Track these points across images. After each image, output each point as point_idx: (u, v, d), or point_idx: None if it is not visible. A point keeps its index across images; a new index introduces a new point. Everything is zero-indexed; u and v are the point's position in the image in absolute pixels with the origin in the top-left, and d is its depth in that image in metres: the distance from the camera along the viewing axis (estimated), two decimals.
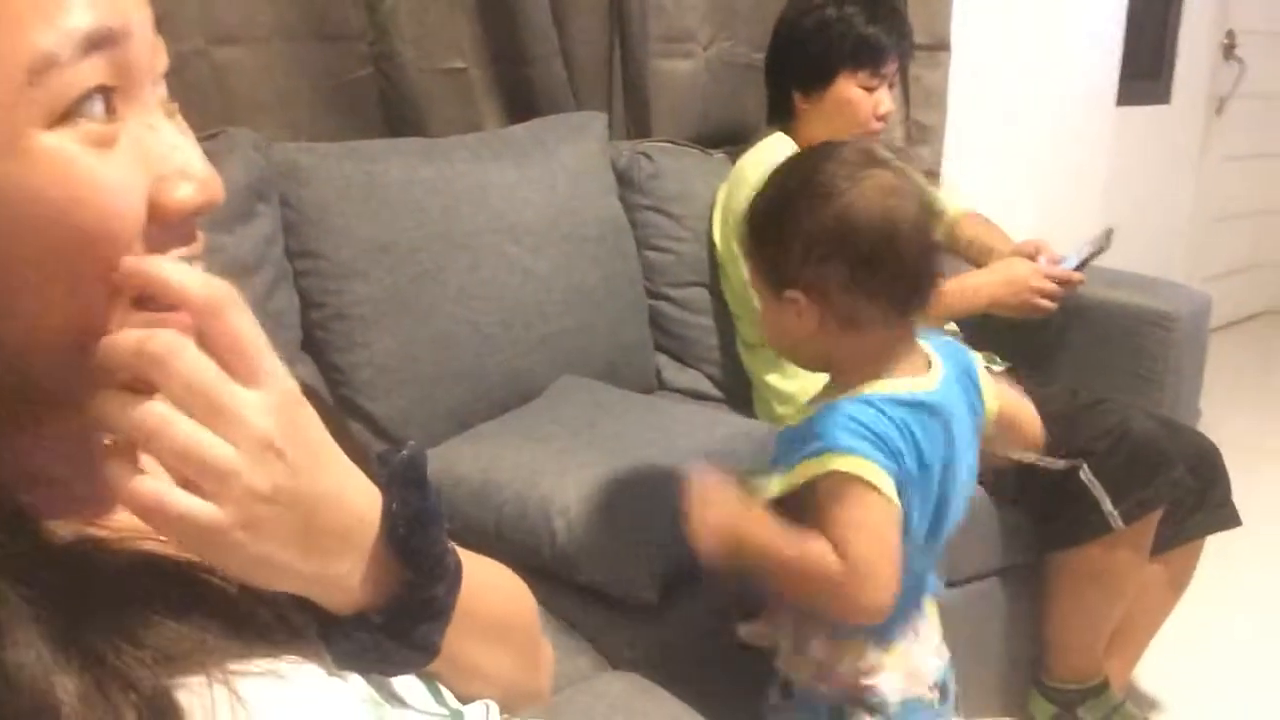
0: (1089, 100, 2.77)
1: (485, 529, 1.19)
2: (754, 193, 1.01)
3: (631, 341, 1.71)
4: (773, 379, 1.66)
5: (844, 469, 0.90)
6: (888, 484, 0.90)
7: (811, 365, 1.04)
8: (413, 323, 1.41)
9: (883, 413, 0.92)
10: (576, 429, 1.33)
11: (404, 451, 0.52)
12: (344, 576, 0.49)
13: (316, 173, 1.41)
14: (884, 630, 0.99)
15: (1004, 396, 1.08)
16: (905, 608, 0.99)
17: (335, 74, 1.60)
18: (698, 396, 1.76)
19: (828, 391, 1.00)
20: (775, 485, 0.95)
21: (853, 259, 0.92)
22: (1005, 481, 1.49)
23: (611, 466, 1.21)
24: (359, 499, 0.49)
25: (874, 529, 0.90)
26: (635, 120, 1.92)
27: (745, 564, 0.93)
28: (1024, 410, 1.12)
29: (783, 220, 0.95)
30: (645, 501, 1.16)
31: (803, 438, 0.93)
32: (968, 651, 1.48)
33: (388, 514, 0.50)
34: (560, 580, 1.14)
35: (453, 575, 0.54)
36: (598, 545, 1.13)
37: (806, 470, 0.92)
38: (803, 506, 0.93)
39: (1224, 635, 1.98)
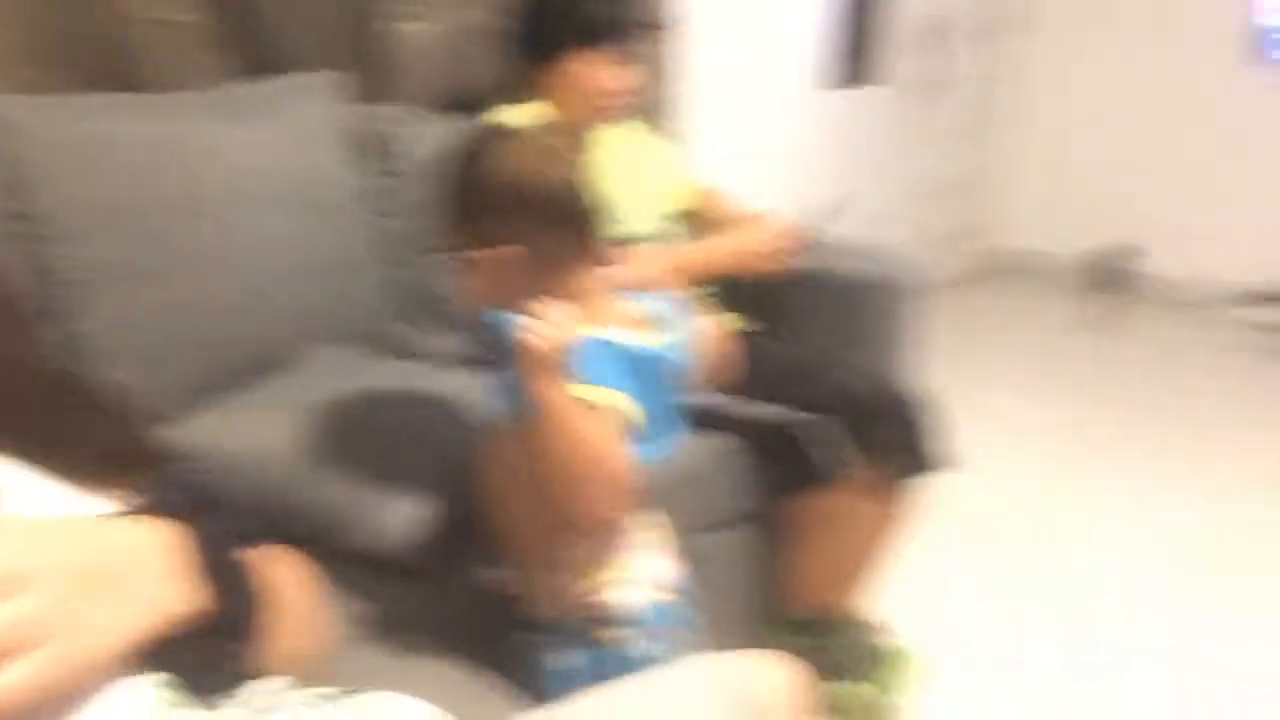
0: (815, 80, 2.97)
1: (245, 501, 1.15)
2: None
3: (377, 310, 1.68)
4: None
5: (588, 398, 0.99)
6: (624, 407, 1.01)
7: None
8: (144, 290, 1.32)
9: (613, 354, 1.03)
10: (333, 396, 1.30)
11: (191, 474, 0.53)
12: (151, 604, 0.50)
13: (34, 129, 1.28)
14: (617, 549, 1.08)
15: (707, 340, 1.25)
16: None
17: (53, 25, 1.46)
18: (446, 361, 1.74)
19: None
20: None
21: (525, 211, 1.05)
22: (748, 435, 1.59)
23: (369, 430, 1.20)
24: (126, 535, 0.50)
25: (625, 454, 1.01)
26: (374, 84, 1.86)
27: (553, 415, 0.99)
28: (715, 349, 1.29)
29: (464, 187, 1.07)
30: (405, 461, 1.15)
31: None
32: (716, 593, 1.58)
33: (188, 538, 0.52)
34: (328, 545, 1.12)
35: (255, 595, 0.56)
36: (360, 508, 1.12)
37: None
38: None
39: (941, 565, 2.21)
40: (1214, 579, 2.33)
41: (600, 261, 1.10)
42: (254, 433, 1.23)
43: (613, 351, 1.03)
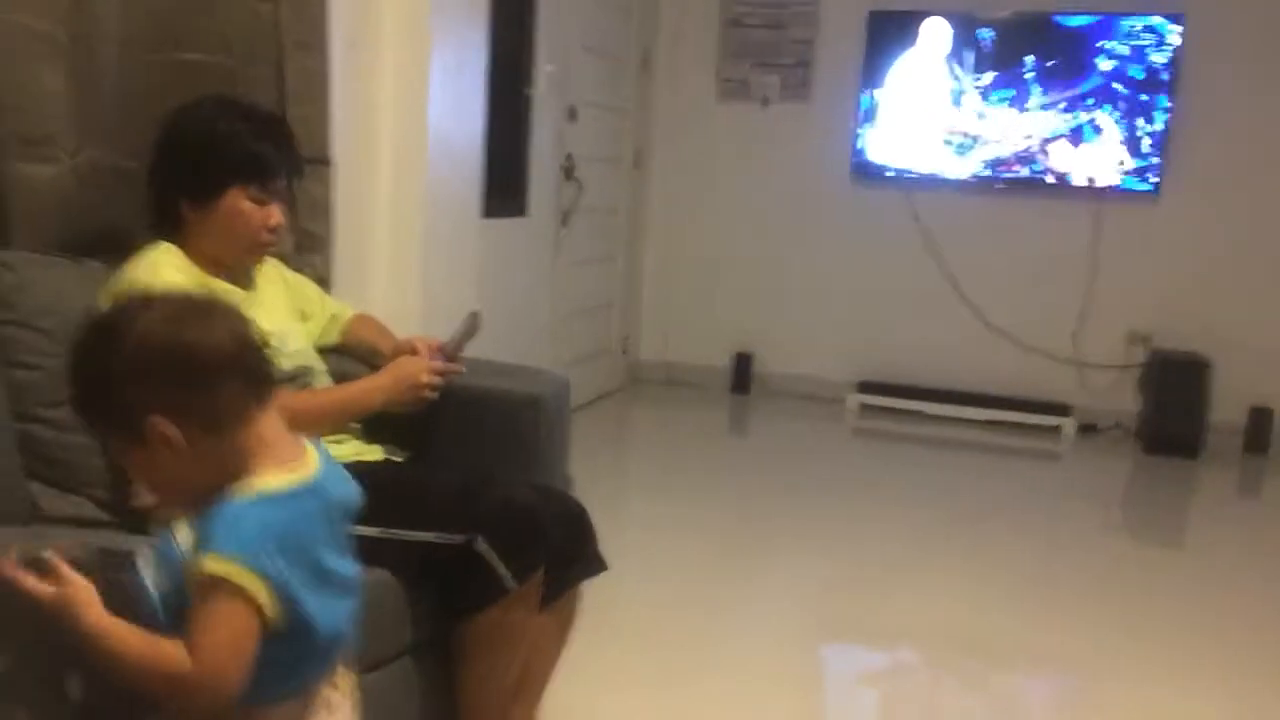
0: (459, 212, 3.10)
1: None
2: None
3: (4, 469, 1.54)
4: None
5: (216, 572, 0.98)
6: (258, 586, 0.98)
7: (207, 494, 1.05)
8: None
9: (271, 511, 1.02)
10: None
11: None
12: None
13: None
14: (298, 712, 1.06)
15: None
16: (316, 683, 1.09)
17: None
18: (84, 524, 1.62)
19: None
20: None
21: (178, 368, 1.01)
22: (410, 562, 1.60)
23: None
24: None
25: (232, 634, 0.99)
26: None
27: (96, 658, 0.99)
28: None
29: (100, 376, 1.02)
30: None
31: (198, 537, 1.01)
32: None
33: None
34: None
35: None
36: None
37: (189, 569, 0.99)
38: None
39: (605, 664, 2.30)
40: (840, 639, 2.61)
41: (268, 405, 1.08)
42: None
43: (269, 508, 1.02)
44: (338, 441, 1.77)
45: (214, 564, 0.98)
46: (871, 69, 4.83)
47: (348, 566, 1.11)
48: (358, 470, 1.67)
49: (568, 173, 4.33)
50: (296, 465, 1.07)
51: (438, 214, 2.91)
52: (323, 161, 2.33)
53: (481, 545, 1.59)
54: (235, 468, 1.04)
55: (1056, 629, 2.72)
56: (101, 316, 1.06)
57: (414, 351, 1.89)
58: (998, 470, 4.36)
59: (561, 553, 1.73)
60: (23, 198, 1.77)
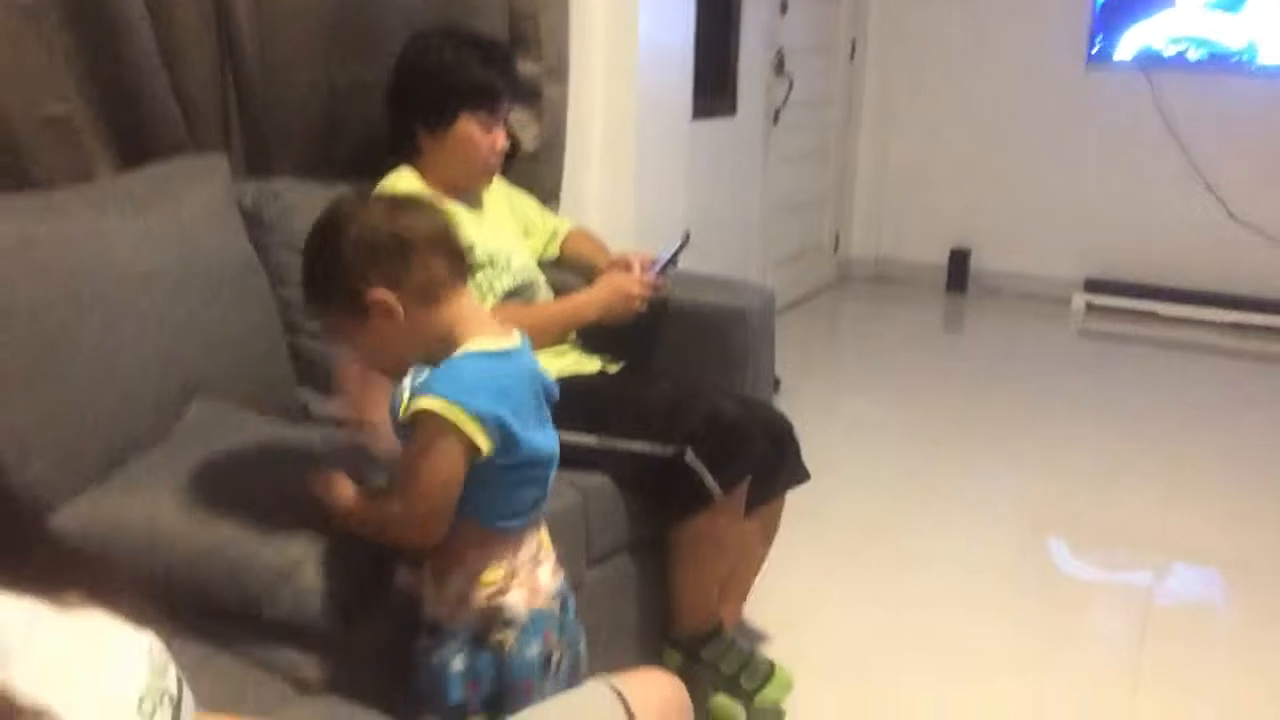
0: (670, 116, 3.13)
1: (155, 578, 1.22)
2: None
3: (273, 379, 1.74)
4: None
5: (430, 408, 1.11)
6: (472, 425, 1.11)
7: (421, 360, 1.19)
8: (45, 390, 1.33)
9: (486, 363, 1.16)
10: (232, 464, 1.37)
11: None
12: None
13: None
14: (511, 560, 1.21)
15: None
16: (525, 536, 1.23)
17: None
18: (343, 423, 1.82)
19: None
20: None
21: (394, 246, 1.15)
22: (626, 470, 1.73)
23: (273, 499, 1.27)
24: None
25: (442, 467, 1.13)
26: (256, 157, 1.94)
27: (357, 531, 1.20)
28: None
29: (330, 260, 1.16)
30: (313, 531, 1.23)
31: (420, 386, 1.15)
32: (609, 618, 1.71)
33: None
34: (243, 617, 1.20)
35: None
36: (276, 580, 1.19)
37: (408, 407, 1.13)
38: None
39: (816, 562, 2.39)
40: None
41: (467, 283, 1.21)
42: (150, 509, 1.28)
43: (478, 360, 1.15)
44: (559, 354, 1.90)
45: (428, 401, 1.11)
46: None
47: (549, 438, 1.24)
48: (576, 381, 1.82)
49: (778, 68, 4.25)
50: (504, 336, 1.20)
51: (649, 120, 2.94)
52: (563, 71, 2.39)
53: (690, 457, 1.68)
54: (446, 338, 1.17)
55: None
56: (328, 213, 1.19)
57: (627, 266, 1.98)
58: (1240, 377, 4.07)
59: (766, 463, 1.81)
60: (279, 120, 1.94)
